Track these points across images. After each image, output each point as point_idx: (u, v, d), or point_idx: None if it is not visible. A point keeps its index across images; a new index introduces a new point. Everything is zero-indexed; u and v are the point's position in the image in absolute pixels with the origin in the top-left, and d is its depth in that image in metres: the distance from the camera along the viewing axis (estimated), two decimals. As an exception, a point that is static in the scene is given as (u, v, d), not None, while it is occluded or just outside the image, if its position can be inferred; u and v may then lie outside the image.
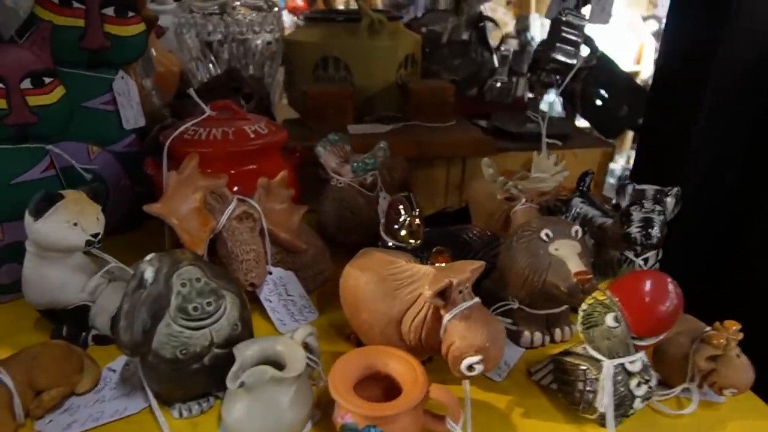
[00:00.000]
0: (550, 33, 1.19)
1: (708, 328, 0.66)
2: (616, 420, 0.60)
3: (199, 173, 0.80)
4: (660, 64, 1.09)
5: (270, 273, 0.84)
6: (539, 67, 1.21)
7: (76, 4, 0.90)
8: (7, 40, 0.87)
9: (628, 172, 2.46)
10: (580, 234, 0.71)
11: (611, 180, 1.86)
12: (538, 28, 2.40)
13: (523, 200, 0.87)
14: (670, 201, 0.78)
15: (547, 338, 0.77)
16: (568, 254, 0.68)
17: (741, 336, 0.64)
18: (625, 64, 2.52)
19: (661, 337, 0.64)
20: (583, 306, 0.62)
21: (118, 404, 0.66)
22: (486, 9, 1.69)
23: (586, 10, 1.17)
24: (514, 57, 1.55)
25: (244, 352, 0.61)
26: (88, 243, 0.71)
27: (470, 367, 0.59)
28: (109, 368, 0.71)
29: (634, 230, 0.75)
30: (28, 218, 0.69)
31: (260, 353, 0.61)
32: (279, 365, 0.60)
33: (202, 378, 0.63)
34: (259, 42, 1.55)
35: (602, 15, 1.11)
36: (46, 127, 0.85)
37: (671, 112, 1.04)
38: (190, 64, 1.55)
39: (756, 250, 1.02)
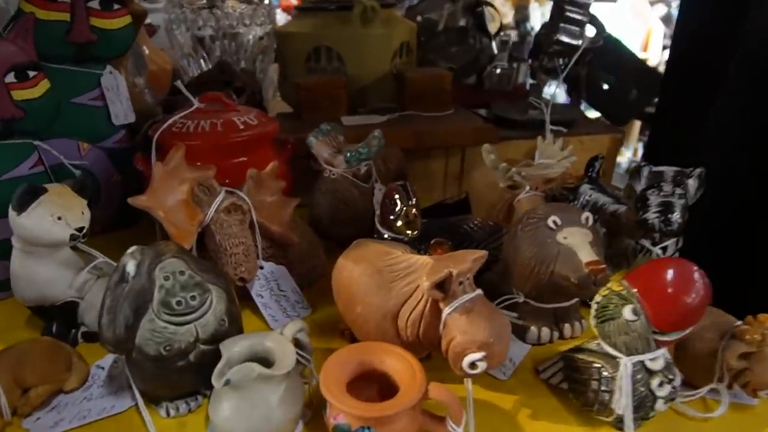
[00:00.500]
0: (553, 13, 1.15)
1: (739, 323, 0.61)
2: (635, 423, 0.55)
3: (186, 165, 0.77)
4: (675, 45, 1.04)
5: (261, 268, 0.81)
6: (541, 51, 1.17)
7: (61, -2, 0.88)
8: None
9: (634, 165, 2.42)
10: (591, 221, 0.67)
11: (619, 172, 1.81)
12: (538, 18, 2.36)
13: (528, 188, 0.83)
14: (692, 183, 0.73)
15: (556, 334, 0.73)
16: (578, 243, 0.64)
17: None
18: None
19: (686, 332, 0.57)
20: (597, 298, 0.57)
21: (106, 402, 0.64)
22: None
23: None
24: (514, 47, 1.50)
25: (231, 348, 0.57)
26: (73, 237, 0.69)
27: (472, 365, 0.55)
28: (98, 365, 0.70)
29: (652, 216, 0.71)
30: (11, 213, 0.67)
31: (248, 350, 0.58)
32: (268, 362, 0.57)
33: (188, 375, 0.60)
34: (250, 36, 1.54)
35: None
36: (32, 122, 0.83)
37: (687, 94, 0.99)
38: (182, 60, 1.54)
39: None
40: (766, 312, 0.60)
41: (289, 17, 2.70)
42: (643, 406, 0.55)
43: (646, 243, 0.76)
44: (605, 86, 1.29)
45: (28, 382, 0.61)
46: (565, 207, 0.72)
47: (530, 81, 1.42)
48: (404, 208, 0.75)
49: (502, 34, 1.45)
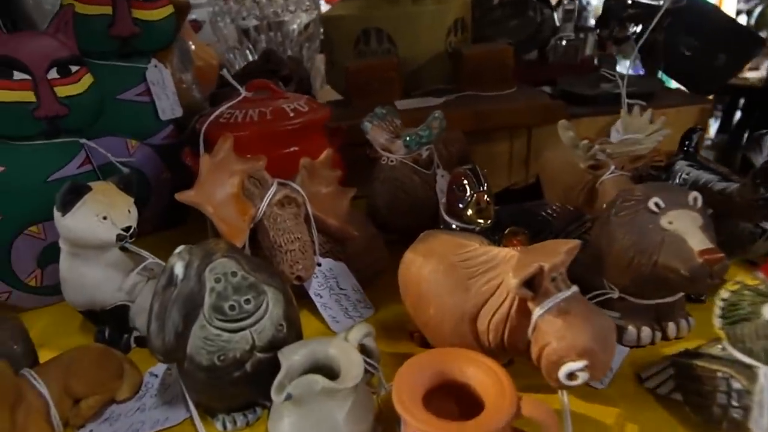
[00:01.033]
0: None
1: None
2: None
3: (235, 156, 0.71)
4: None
5: (319, 265, 0.75)
6: (612, 17, 1.05)
7: (102, -9, 0.86)
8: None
9: (710, 142, 2.23)
10: (700, 201, 0.57)
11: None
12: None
13: (612, 167, 0.73)
14: None
15: (658, 334, 0.63)
16: (687, 228, 0.55)
17: None
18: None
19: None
20: (724, 294, 0.48)
21: (159, 414, 0.61)
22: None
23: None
24: (579, 17, 1.39)
25: (291, 357, 0.51)
26: (120, 237, 0.65)
27: (571, 375, 0.46)
28: (151, 373, 0.67)
29: None
30: (56, 213, 0.65)
31: (309, 358, 0.52)
32: (332, 371, 0.51)
33: (244, 386, 0.55)
34: (295, 25, 1.49)
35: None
36: (77, 119, 0.80)
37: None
38: (228, 54, 1.52)
39: None
40: None
41: (330, 6, 2.65)
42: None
43: (768, 226, 0.65)
44: (687, 52, 1.15)
45: (78, 392, 0.58)
46: (667, 186, 0.63)
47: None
48: (474, 195, 0.68)
49: (565, 2, 1.34)
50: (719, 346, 0.49)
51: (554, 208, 0.74)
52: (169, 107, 0.99)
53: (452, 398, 0.51)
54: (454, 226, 0.70)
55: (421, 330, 0.62)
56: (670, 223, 0.55)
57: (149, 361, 0.65)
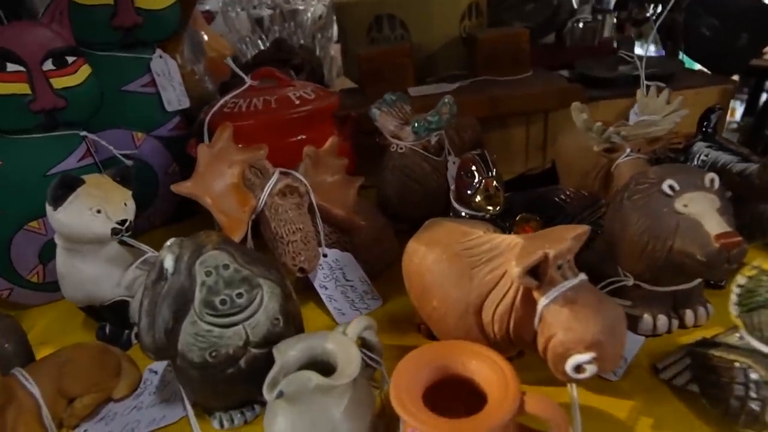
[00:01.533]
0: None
1: None
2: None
3: (235, 146, 0.69)
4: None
5: (325, 256, 0.73)
6: (630, -2, 1.01)
7: (102, -19, 0.84)
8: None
9: (734, 126, 2.15)
10: (717, 183, 0.53)
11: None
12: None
13: (628, 150, 0.69)
14: None
15: (675, 323, 0.60)
16: (703, 211, 0.51)
17: None
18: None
19: None
20: (741, 280, 0.44)
21: (156, 412, 0.59)
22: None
23: None
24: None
25: (286, 352, 0.49)
26: (115, 231, 0.63)
27: (579, 368, 0.43)
28: (151, 369, 0.66)
29: None
30: (48, 208, 0.63)
31: (306, 353, 0.50)
32: (330, 367, 0.48)
33: (240, 383, 0.52)
34: (309, 14, 1.47)
35: None
36: (76, 111, 0.79)
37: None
38: (240, 44, 1.50)
39: None
40: None
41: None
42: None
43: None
44: (707, 33, 1.10)
45: (72, 392, 0.56)
46: (682, 167, 0.59)
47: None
48: (483, 181, 0.65)
49: (583, -17, 1.29)
50: (737, 335, 0.46)
51: (568, 193, 0.71)
52: (175, 98, 0.98)
53: (457, 393, 0.48)
54: (463, 214, 0.68)
55: (426, 322, 0.60)
56: (685, 206, 0.52)
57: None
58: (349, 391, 0.48)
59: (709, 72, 1.13)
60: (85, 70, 0.78)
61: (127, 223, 0.64)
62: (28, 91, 0.73)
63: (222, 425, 0.55)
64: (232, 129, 0.69)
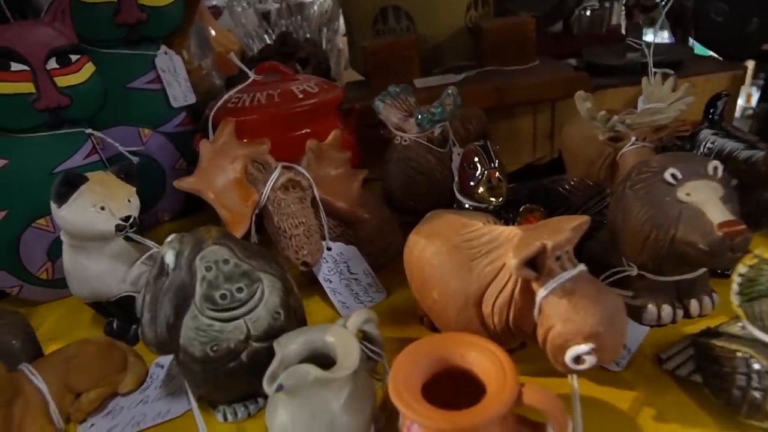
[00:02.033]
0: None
1: None
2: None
3: (237, 141, 0.70)
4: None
5: (329, 249, 0.73)
6: (638, -16, 0.99)
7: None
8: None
9: (750, 112, 2.11)
10: (720, 171, 0.52)
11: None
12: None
13: (633, 139, 0.68)
14: None
15: (680, 312, 0.59)
16: (705, 199, 0.50)
17: None
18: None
19: None
20: (741, 269, 0.44)
21: (162, 406, 0.60)
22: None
23: None
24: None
25: (287, 346, 0.49)
26: (119, 228, 0.64)
27: (578, 359, 0.43)
28: (158, 364, 0.66)
29: None
30: (52, 206, 0.63)
31: (306, 347, 0.50)
32: (330, 360, 0.48)
33: (242, 377, 0.53)
34: (315, 7, 1.47)
35: None
36: (80, 109, 0.80)
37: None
38: (246, 39, 1.50)
39: None
40: None
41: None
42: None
43: (796, 195, 0.59)
44: (717, 18, 1.08)
45: (79, 387, 0.57)
46: (685, 155, 0.58)
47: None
48: (485, 172, 0.65)
49: (590, -30, 1.27)
50: (739, 325, 0.46)
51: (573, 183, 0.70)
52: (181, 94, 0.98)
53: (457, 384, 0.48)
54: (467, 206, 0.68)
55: (427, 314, 0.60)
56: (688, 194, 0.51)
57: (157, 352, 0.65)
58: (349, 384, 0.48)
59: (719, 58, 1.11)
60: (88, 68, 0.79)
61: (131, 220, 0.64)
62: (33, 90, 0.74)
63: (226, 418, 0.56)
64: (234, 124, 0.69)
